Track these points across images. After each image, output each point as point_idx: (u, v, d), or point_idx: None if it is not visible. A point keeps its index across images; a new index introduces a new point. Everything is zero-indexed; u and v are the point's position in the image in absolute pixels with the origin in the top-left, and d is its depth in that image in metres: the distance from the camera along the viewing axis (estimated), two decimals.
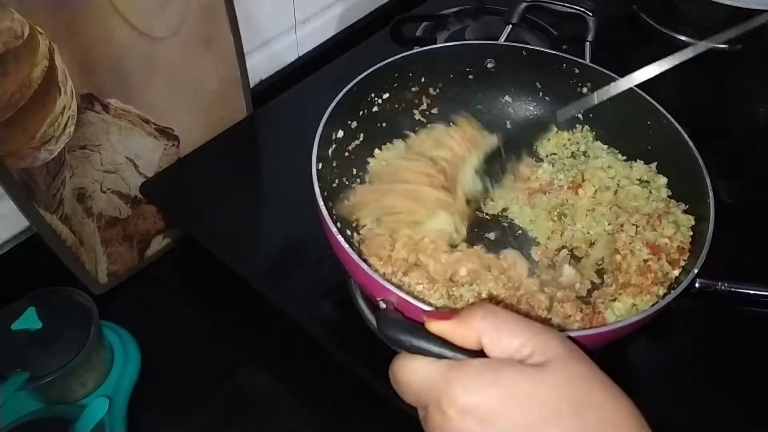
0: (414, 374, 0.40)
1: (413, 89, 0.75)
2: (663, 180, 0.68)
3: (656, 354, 0.69)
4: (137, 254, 0.79)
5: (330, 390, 0.69)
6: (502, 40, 0.84)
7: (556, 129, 0.78)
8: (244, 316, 0.75)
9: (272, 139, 0.88)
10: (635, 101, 0.69)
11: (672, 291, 0.56)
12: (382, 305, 0.50)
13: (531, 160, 0.75)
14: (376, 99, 0.73)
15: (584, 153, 0.75)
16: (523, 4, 0.85)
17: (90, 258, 0.73)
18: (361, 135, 0.72)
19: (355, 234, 0.64)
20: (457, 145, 0.69)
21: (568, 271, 0.64)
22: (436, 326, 0.41)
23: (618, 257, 0.62)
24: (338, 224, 0.57)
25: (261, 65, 0.94)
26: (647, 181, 0.69)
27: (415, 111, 0.77)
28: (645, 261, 0.61)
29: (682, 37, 1.00)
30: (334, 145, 0.68)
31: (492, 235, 0.69)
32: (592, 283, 0.64)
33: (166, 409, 0.68)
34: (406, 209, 0.64)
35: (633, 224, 0.64)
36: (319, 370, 0.70)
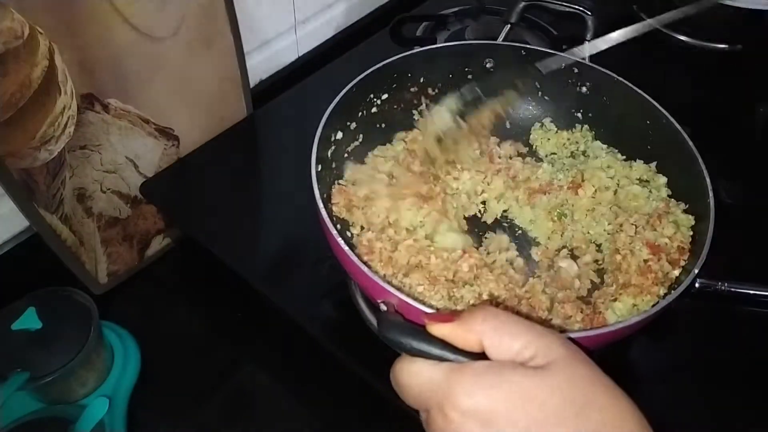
0: (415, 377, 0.40)
1: (412, 90, 0.75)
2: (663, 180, 0.69)
3: (657, 354, 0.69)
4: (137, 254, 0.79)
5: (330, 390, 0.69)
6: (501, 40, 0.84)
7: (556, 129, 0.78)
8: (244, 316, 0.75)
9: (272, 139, 0.88)
10: (635, 101, 0.69)
11: (672, 291, 0.56)
12: (383, 307, 0.50)
13: (531, 159, 0.76)
14: (375, 100, 0.73)
15: (584, 153, 0.76)
16: (522, 4, 0.85)
17: (90, 258, 0.73)
18: (360, 136, 0.72)
19: (355, 235, 0.64)
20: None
21: (567, 263, 0.65)
22: (437, 329, 0.41)
23: (618, 257, 0.62)
24: (338, 226, 0.57)
25: (261, 65, 0.94)
26: (647, 181, 0.70)
27: (414, 111, 0.76)
28: (645, 261, 0.61)
29: (682, 37, 1.00)
30: (333, 147, 0.68)
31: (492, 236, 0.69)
32: (593, 283, 0.64)
33: (166, 409, 0.68)
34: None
35: (632, 224, 0.64)
36: (319, 370, 0.70)
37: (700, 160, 0.63)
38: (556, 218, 0.69)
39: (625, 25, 0.66)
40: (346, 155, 0.70)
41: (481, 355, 0.39)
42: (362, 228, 0.64)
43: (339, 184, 0.67)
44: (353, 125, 0.71)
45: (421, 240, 0.62)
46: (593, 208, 0.68)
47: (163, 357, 0.71)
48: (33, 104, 0.60)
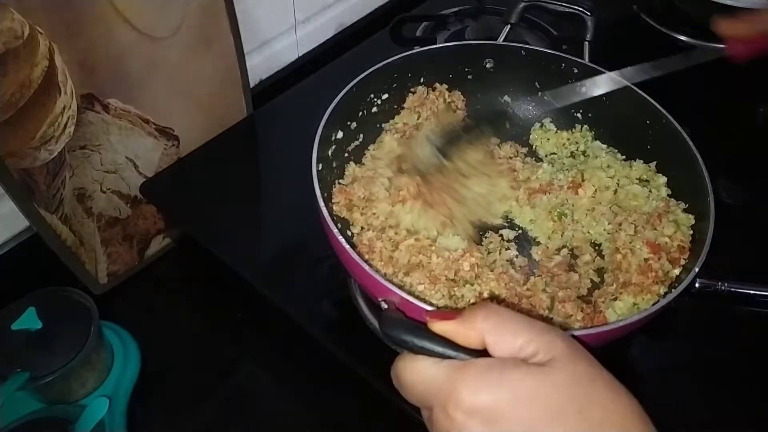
0: (417, 375, 0.40)
1: (412, 90, 0.75)
2: (663, 179, 0.69)
3: (656, 353, 0.69)
4: (137, 254, 0.79)
5: (330, 390, 0.69)
6: (501, 40, 0.84)
7: (556, 129, 0.78)
8: (244, 316, 0.75)
9: (272, 139, 0.88)
10: (634, 101, 0.69)
11: (672, 290, 0.56)
12: (384, 306, 0.50)
13: (531, 159, 0.76)
14: (375, 100, 0.73)
15: (584, 153, 0.76)
16: (522, 4, 0.85)
17: (90, 258, 0.73)
18: (361, 136, 0.72)
19: (355, 234, 0.64)
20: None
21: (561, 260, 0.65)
22: (438, 326, 0.41)
23: (618, 256, 0.62)
24: (338, 225, 0.57)
25: (261, 65, 0.94)
26: (647, 181, 0.70)
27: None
28: (645, 260, 0.61)
29: (682, 37, 1.00)
30: (333, 146, 0.68)
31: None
32: (593, 282, 0.64)
33: (166, 409, 0.68)
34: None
35: (632, 223, 0.64)
36: (319, 370, 0.70)
37: (700, 160, 0.63)
38: (556, 218, 0.69)
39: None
40: (346, 155, 0.71)
41: (483, 353, 0.39)
42: (362, 228, 0.64)
43: (339, 183, 0.67)
44: (354, 125, 0.71)
45: (422, 240, 0.62)
46: (593, 208, 0.68)
47: (163, 357, 0.71)
48: (33, 104, 0.60)
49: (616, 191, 0.69)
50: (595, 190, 0.70)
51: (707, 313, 0.68)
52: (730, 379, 0.66)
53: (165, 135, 0.76)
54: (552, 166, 0.74)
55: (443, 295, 0.57)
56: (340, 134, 0.69)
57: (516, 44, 0.77)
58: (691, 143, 0.64)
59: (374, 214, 0.64)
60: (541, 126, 0.79)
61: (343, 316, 0.68)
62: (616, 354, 0.66)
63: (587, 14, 0.82)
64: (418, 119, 0.75)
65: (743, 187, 0.85)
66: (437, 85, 0.77)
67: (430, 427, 0.40)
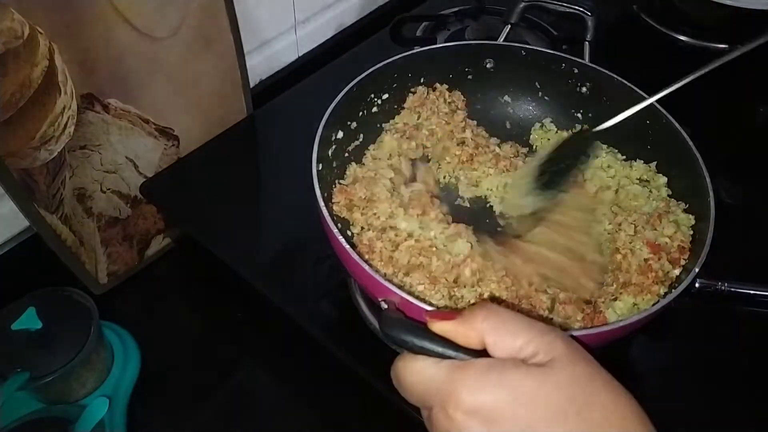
0: (417, 375, 0.40)
1: (413, 90, 0.75)
2: (663, 180, 0.69)
3: (657, 353, 0.69)
4: (137, 254, 0.79)
5: (330, 390, 0.69)
6: (501, 40, 0.84)
7: (556, 129, 0.78)
8: (244, 316, 0.75)
9: (272, 139, 0.88)
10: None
11: (672, 290, 0.56)
12: (384, 306, 0.50)
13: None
14: (375, 99, 0.73)
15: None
16: (522, 4, 0.85)
17: (90, 258, 0.73)
18: (361, 136, 0.72)
19: (355, 234, 0.64)
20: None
21: None
22: (438, 326, 0.41)
23: (618, 256, 0.62)
24: (338, 225, 0.57)
25: (261, 65, 0.94)
26: (647, 181, 0.70)
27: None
28: (645, 260, 0.61)
29: (682, 37, 1.00)
30: (334, 146, 0.68)
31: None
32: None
33: (166, 409, 0.68)
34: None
35: (632, 223, 0.64)
36: (319, 370, 0.70)
37: (700, 160, 0.63)
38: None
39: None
40: (346, 155, 0.71)
41: (483, 353, 0.39)
42: (363, 228, 0.64)
43: (340, 183, 0.67)
44: (354, 125, 0.71)
45: (423, 241, 0.62)
46: (594, 208, 0.68)
47: (163, 357, 0.71)
48: (33, 104, 0.60)
49: (617, 191, 0.69)
50: (596, 190, 0.70)
51: (707, 313, 0.68)
52: (730, 379, 0.66)
53: (165, 135, 0.76)
54: None
55: (443, 296, 0.57)
56: (340, 134, 0.69)
57: (516, 44, 0.77)
58: (691, 143, 0.64)
59: (375, 214, 0.64)
60: (542, 126, 0.78)
61: (343, 316, 0.68)
62: (616, 354, 0.66)
63: (588, 14, 0.82)
64: (418, 119, 0.75)
65: (743, 187, 0.85)
66: (437, 85, 0.77)
67: (430, 427, 0.40)
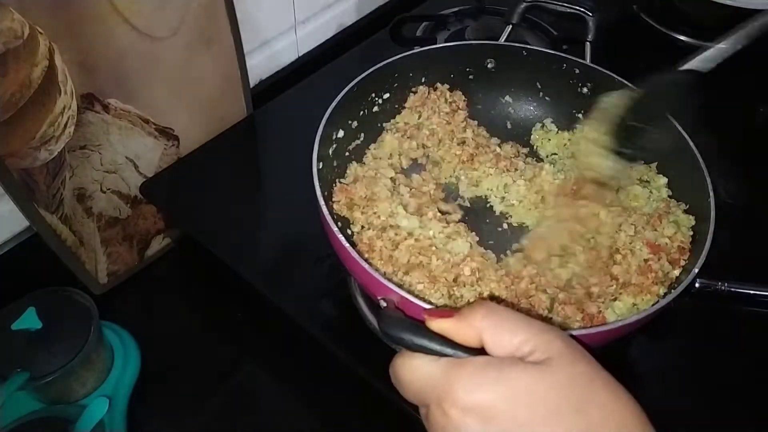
0: (415, 373, 0.40)
1: (414, 89, 0.76)
2: (663, 180, 0.69)
3: (656, 353, 0.69)
4: (137, 254, 0.79)
5: (330, 389, 0.69)
6: (502, 40, 0.84)
7: (557, 129, 0.78)
8: (244, 316, 0.75)
9: (272, 139, 0.88)
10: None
11: (672, 291, 0.56)
12: (383, 304, 0.50)
13: (532, 160, 0.76)
14: (376, 99, 0.73)
15: None
16: (523, 4, 0.85)
17: (90, 258, 0.73)
18: (362, 135, 0.72)
19: (355, 233, 0.64)
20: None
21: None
22: (437, 324, 0.41)
23: (618, 257, 0.62)
24: (338, 224, 0.57)
25: (261, 65, 0.94)
26: (647, 181, 0.70)
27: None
28: (645, 260, 0.61)
29: (682, 37, 1.00)
30: (334, 145, 0.68)
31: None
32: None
33: (166, 409, 0.68)
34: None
35: (632, 224, 0.64)
36: (319, 369, 0.70)
37: (701, 160, 0.63)
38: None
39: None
40: (347, 154, 0.71)
41: (481, 351, 0.39)
42: (363, 227, 0.64)
43: (341, 182, 0.67)
44: (355, 124, 0.71)
45: (422, 240, 0.62)
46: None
47: (163, 357, 0.71)
48: (33, 104, 0.60)
49: (617, 191, 0.69)
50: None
51: (707, 313, 0.68)
52: (729, 379, 0.66)
53: (165, 135, 0.76)
54: (553, 167, 0.74)
55: (442, 295, 0.57)
56: (341, 133, 0.69)
57: (518, 45, 0.77)
58: (691, 143, 0.64)
59: (375, 213, 0.64)
60: (542, 126, 0.79)
61: (343, 316, 0.68)
62: (616, 354, 0.66)
63: (588, 14, 0.82)
64: (419, 119, 0.75)
65: (743, 187, 0.85)
66: (438, 85, 0.77)
67: (428, 425, 0.40)
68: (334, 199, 0.65)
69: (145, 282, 0.79)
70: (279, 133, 0.87)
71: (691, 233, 0.62)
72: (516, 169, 0.73)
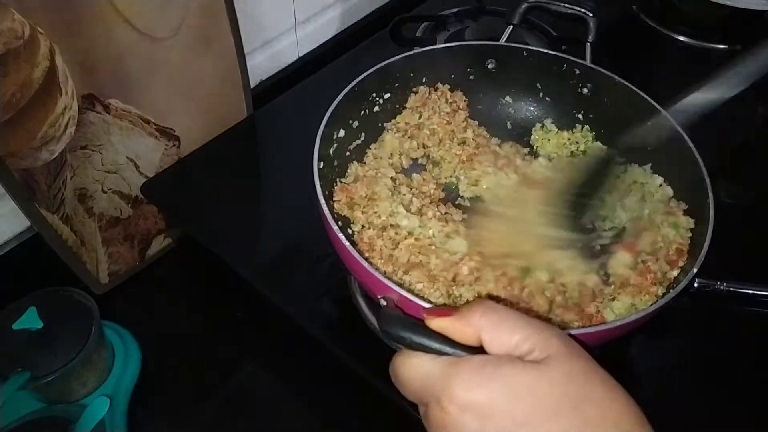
0: (414, 371, 0.40)
1: (414, 89, 0.76)
2: (659, 180, 0.69)
3: (655, 353, 0.69)
4: (138, 254, 0.79)
5: (330, 389, 0.69)
6: (502, 41, 0.84)
7: (557, 129, 0.78)
8: (244, 315, 0.75)
9: (273, 139, 0.88)
10: (634, 101, 0.69)
11: (671, 291, 0.56)
12: (383, 303, 0.51)
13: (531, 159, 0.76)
14: (377, 99, 0.73)
15: (584, 153, 0.76)
16: (524, 5, 0.85)
17: (91, 258, 0.73)
18: (363, 134, 0.72)
19: (356, 233, 0.64)
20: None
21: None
22: (436, 323, 0.41)
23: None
24: (339, 223, 0.57)
25: (261, 65, 0.95)
26: (643, 183, 0.69)
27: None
28: (644, 261, 0.61)
29: (682, 37, 1.00)
30: (335, 145, 0.68)
31: None
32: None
33: (167, 408, 0.69)
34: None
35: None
36: (319, 369, 0.70)
37: (700, 160, 0.63)
38: None
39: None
40: (348, 153, 0.71)
41: (480, 350, 0.39)
42: (363, 226, 0.64)
43: (341, 182, 0.68)
44: (355, 123, 0.71)
45: (422, 239, 0.62)
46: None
47: (163, 357, 0.71)
48: (34, 105, 0.60)
49: None
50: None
51: (706, 313, 0.68)
52: (729, 379, 0.66)
53: (166, 135, 0.76)
54: (549, 161, 0.74)
55: (442, 294, 0.58)
56: (341, 132, 0.69)
57: (518, 45, 0.77)
58: (691, 143, 0.64)
59: (375, 212, 0.64)
60: (542, 126, 0.78)
61: (343, 316, 0.68)
62: (615, 354, 0.66)
63: (589, 15, 0.82)
64: (419, 119, 0.75)
65: (743, 187, 0.85)
66: (439, 85, 0.77)
67: (427, 423, 0.40)
68: (334, 199, 0.65)
69: (146, 282, 0.80)
70: (280, 134, 0.87)
71: (690, 235, 0.62)
72: (516, 170, 0.73)
